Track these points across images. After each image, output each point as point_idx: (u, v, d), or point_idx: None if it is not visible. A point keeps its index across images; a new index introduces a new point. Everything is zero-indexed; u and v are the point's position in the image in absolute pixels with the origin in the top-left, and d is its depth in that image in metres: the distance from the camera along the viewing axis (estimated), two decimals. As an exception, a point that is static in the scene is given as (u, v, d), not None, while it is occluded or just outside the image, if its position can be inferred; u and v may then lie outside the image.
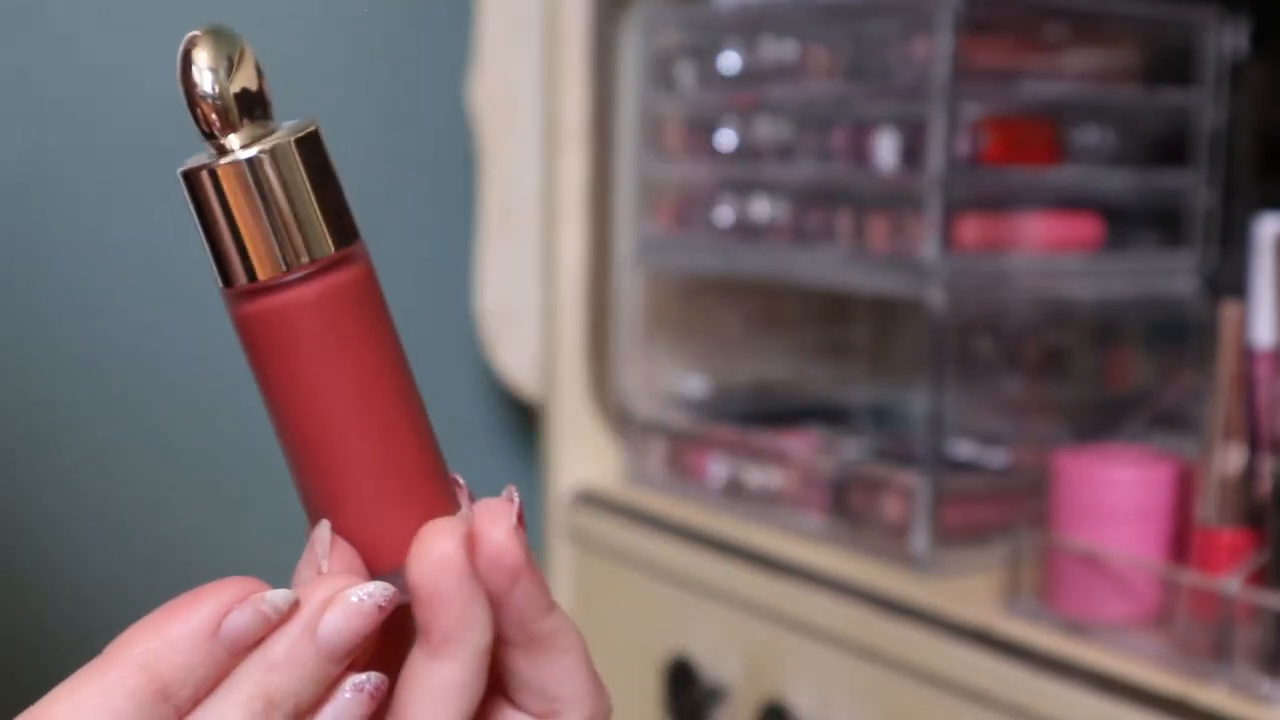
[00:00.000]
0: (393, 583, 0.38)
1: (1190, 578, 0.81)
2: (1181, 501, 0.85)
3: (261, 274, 0.36)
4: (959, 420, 1.03)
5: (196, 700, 0.37)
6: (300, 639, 0.37)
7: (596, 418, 1.19)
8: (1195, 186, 1.05)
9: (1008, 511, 0.97)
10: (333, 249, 0.37)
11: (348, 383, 0.38)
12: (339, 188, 0.37)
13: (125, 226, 1.09)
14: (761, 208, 1.08)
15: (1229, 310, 0.83)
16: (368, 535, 0.39)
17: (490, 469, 1.27)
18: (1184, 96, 1.05)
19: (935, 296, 0.95)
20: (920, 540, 0.96)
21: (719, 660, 1.03)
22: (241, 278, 0.37)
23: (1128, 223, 1.04)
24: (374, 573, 0.39)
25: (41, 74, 1.05)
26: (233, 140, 0.36)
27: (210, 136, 0.36)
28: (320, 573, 0.39)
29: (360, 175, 1.40)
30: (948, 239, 0.95)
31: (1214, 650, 0.78)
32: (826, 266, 1.03)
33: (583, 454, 1.19)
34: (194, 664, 0.37)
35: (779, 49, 1.07)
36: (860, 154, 1.00)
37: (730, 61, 1.11)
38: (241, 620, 0.37)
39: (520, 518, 0.39)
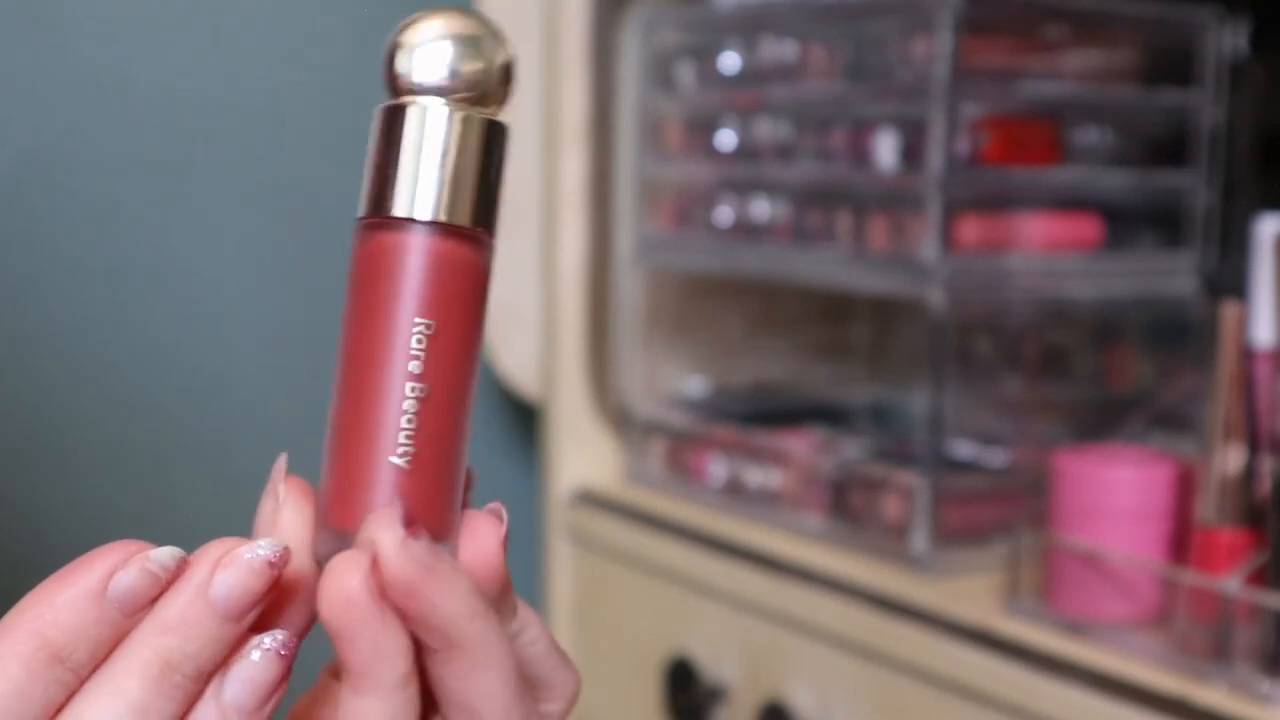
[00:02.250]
0: (341, 543, 0.39)
1: (1190, 578, 0.81)
2: (1181, 501, 0.85)
3: (402, 211, 0.39)
4: (959, 420, 1.03)
5: (95, 663, 0.37)
6: (193, 598, 0.37)
7: (596, 418, 1.19)
8: (1195, 186, 1.05)
9: (1008, 511, 0.97)
10: (469, 224, 0.39)
11: (404, 341, 0.39)
12: (499, 182, 0.40)
13: (126, 225, 1.09)
14: (761, 208, 1.08)
15: (1229, 310, 0.83)
16: (342, 488, 0.39)
17: (490, 469, 1.27)
18: (1184, 96, 1.05)
19: (935, 296, 0.95)
20: (920, 540, 0.96)
21: (719, 660, 1.03)
22: (385, 209, 0.39)
23: (1128, 223, 1.04)
24: (333, 525, 0.39)
25: (41, 74, 1.05)
26: (437, 99, 0.39)
27: (422, 91, 0.39)
28: (276, 499, 0.40)
29: (360, 175, 1.39)
30: (948, 239, 0.95)
31: (1214, 650, 0.78)
32: (826, 266, 1.03)
33: (583, 454, 1.19)
34: (85, 626, 0.37)
35: (779, 49, 1.07)
36: (860, 154, 1.00)
37: (730, 61, 1.11)
38: (127, 579, 0.37)
39: (405, 519, 0.38)
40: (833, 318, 1.23)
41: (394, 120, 0.39)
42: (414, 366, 0.39)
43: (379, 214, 0.39)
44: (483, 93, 0.39)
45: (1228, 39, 1.04)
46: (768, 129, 1.08)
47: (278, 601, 0.39)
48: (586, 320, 1.18)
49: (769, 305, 1.23)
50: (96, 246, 1.08)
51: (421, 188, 0.39)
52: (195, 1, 1.11)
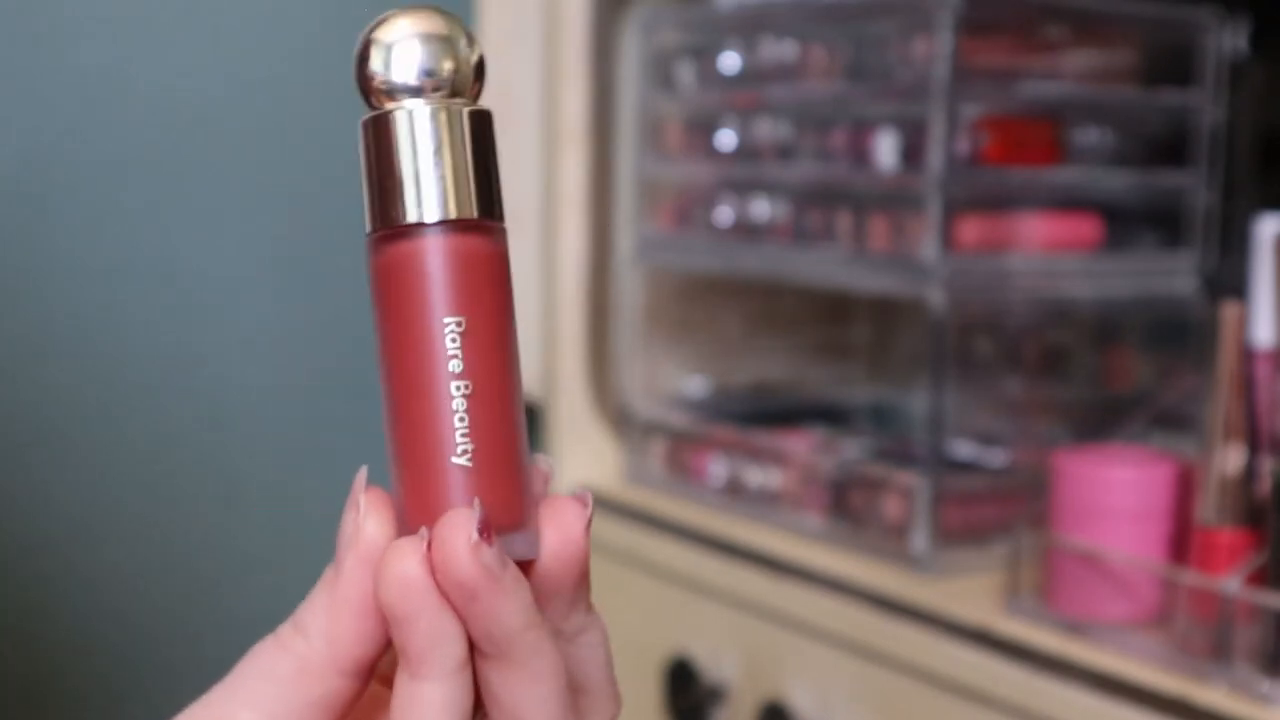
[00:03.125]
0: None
1: (1190, 578, 0.81)
2: (1181, 501, 0.85)
3: (411, 217, 0.39)
4: (959, 420, 1.03)
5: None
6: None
7: (596, 418, 1.19)
8: (1195, 186, 1.05)
9: (1008, 511, 0.97)
10: (476, 214, 0.39)
11: (439, 343, 0.39)
12: (494, 168, 0.40)
13: (126, 225, 1.09)
14: (761, 208, 1.08)
15: (1229, 310, 0.83)
16: (414, 494, 0.40)
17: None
18: (1184, 96, 1.05)
19: (935, 296, 0.95)
20: (920, 540, 0.96)
21: (719, 660, 1.03)
22: (393, 219, 0.39)
23: (1128, 223, 1.04)
24: (413, 530, 0.40)
25: (41, 74, 1.05)
26: (420, 98, 0.40)
27: (400, 93, 0.40)
28: (358, 511, 0.40)
29: (360, 176, 1.39)
30: (948, 239, 0.95)
31: (1214, 650, 0.78)
32: (826, 266, 1.03)
33: (583, 454, 1.19)
34: None
35: (779, 49, 1.07)
36: (860, 154, 1.00)
37: (730, 61, 1.11)
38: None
39: (489, 528, 0.39)
40: (833, 318, 1.23)
41: (381, 129, 0.40)
42: (454, 366, 0.39)
43: (388, 225, 0.39)
44: (460, 87, 0.40)
45: (1228, 39, 1.04)
46: (768, 129, 1.08)
47: (364, 611, 0.39)
48: (586, 320, 1.18)
49: (769, 305, 1.23)
50: (96, 246, 1.08)
51: (424, 190, 0.39)
52: (195, 1, 1.11)
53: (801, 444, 1.08)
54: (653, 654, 1.08)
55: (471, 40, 0.40)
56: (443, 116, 0.39)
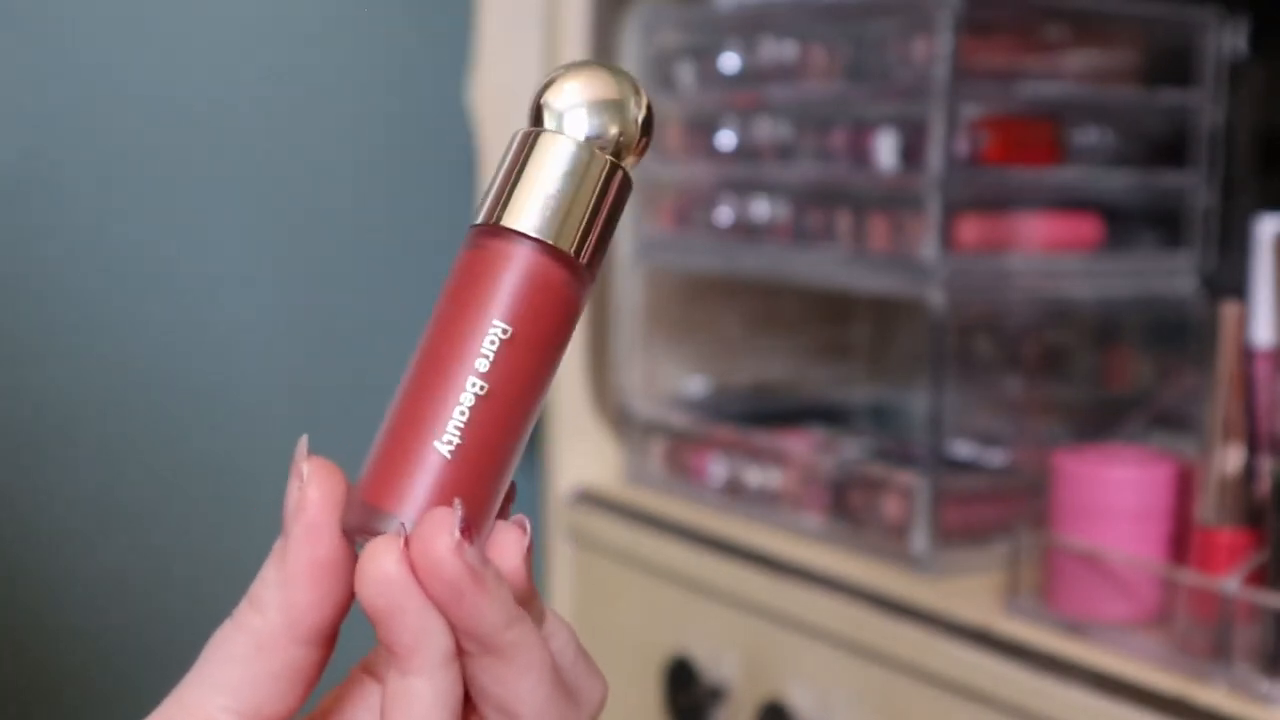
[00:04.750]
0: (379, 519, 0.39)
1: (1190, 578, 0.81)
2: (1181, 501, 0.85)
3: (514, 224, 0.41)
4: (959, 420, 1.03)
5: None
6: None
7: (596, 418, 1.19)
8: (1195, 186, 1.05)
9: (1008, 511, 0.97)
10: (572, 252, 0.41)
11: (478, 339, 0.40)
12: (612, 227, 0.42)
13: (126, 225, 1.09)
14: (761, 208, 1.08)
15: (1229, 310, 0.83)
16: (385, 466, 0.40)
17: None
18: (1184, 96, 1.05)
19: (935, 296, 0.95)
20: (920, 540, 0.96)
21: (719, 660, 1.03)
22: (500, 219, 0.41)
23: (1127, 223, 1.04)
24: (368, 500, 0.40)
25: (41, 74, 1.05)
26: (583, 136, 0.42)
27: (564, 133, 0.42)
28: (301, 479, 0.40)
29: (361, 175, 1.40)
30: (948, 239, 0.95)
31: (1213, 650, 0.78)
32: (826, 266, 1.03)
33: (583, 454, 1.19)
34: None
35: (779, 49, 1.07)
36: (860, 154, 1.00)
37: (730, 61, 1.11)
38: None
39: (461, 536, 0.39)
40: (833, 318, 1.23)
41: (529, 143, 0.42)
42: (480, 364, 0.40)
43: (492, 221, 0.41)
44: (618, 148, 0.42)
45: (1228, 39, 1.04)
46: (768, 129, 1.08)
47: (315, 577, 0.39)
48: (587, 320, 1.18)
49: (769, 305, 1.23)
50: (96, 246, 1.08)
51: (537, 207, 0.41)
52: (195, 2, 1.11)
53: (801, 444, 1.08)
54: (653, 654, 1.08)
55: (642, 105, 0.42)
56: (585, 156, 0.41)
